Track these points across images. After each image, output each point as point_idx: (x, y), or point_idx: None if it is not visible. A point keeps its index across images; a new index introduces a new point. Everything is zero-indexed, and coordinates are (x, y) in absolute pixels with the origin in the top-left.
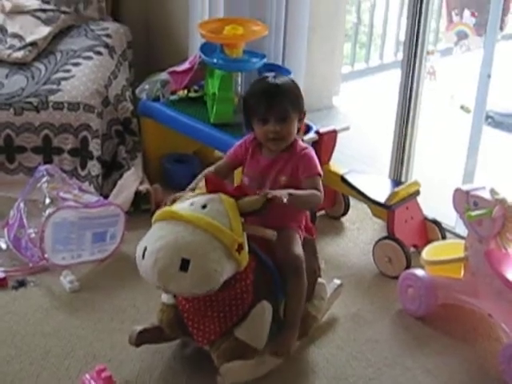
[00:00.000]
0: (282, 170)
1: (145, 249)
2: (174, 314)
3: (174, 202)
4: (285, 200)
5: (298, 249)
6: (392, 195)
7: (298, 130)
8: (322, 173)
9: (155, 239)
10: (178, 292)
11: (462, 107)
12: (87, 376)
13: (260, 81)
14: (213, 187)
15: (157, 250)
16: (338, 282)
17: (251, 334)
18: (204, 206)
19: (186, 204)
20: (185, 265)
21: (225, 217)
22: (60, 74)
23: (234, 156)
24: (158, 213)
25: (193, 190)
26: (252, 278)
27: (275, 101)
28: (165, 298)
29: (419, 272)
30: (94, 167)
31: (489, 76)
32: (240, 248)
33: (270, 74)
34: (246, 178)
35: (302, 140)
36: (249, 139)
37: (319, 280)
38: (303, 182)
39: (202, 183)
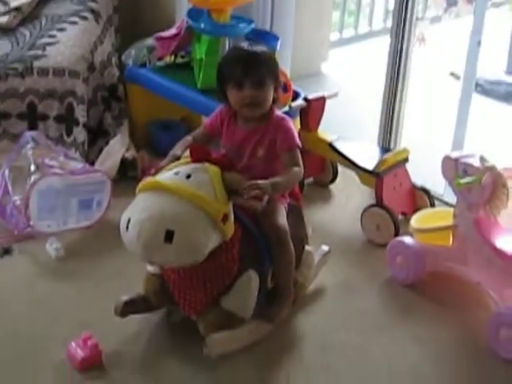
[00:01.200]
0: (259, 143)
1: (128, 220)
2: (160, 283)
3: (157, 172)
4: (266, 198)
5: (282, 220)
6: (380, 162)
7: (275, 100)
8: (300, 144)
9: (139, 211)
10: (162, 263)
11: (451, 74)
12: (73, 344)
13: (235, 49)
14: (198, 156)
15: (141, 221)
16: (325, 248)
17: (237, 304)
18: (188, 176)
19: (171, 174)
20: (169, 236)
21: (210, 187)
22: (45, 40)
23: (210, 127)
24: (142, 183)
25: (175, 157)
26: (238, 248)
27: (251, 65)
28: (150, 267)
29: (408, 240)
30: (80, 134)
31: (479, 43)
32: (225, 218)
33: (245, 43)
34: (224, 150)
35: (290, 107)
36: (224, 109)
37: (306, 248)
38: (282, 156)
39: (187, 152)
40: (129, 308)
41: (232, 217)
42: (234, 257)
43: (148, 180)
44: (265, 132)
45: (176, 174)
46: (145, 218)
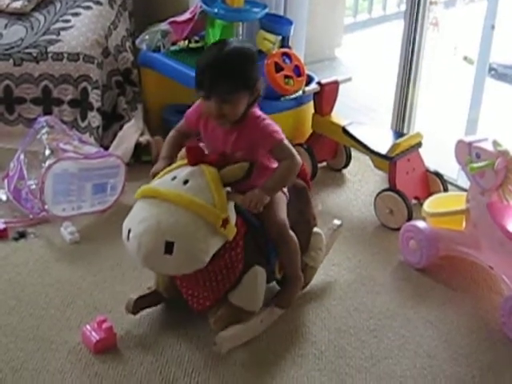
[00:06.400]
0: (235, 145)
1: (129, 231)
2: (170, 278)
3: (154, 176)
4: (265, 201)
5: (282, 214)
6: (394, 147)
7: (251, 105)
8: (283, 137)
9: (138, 221)
10: (164, 273)
11: (465, 58)
12: (88, 327)
13: (212, 48)
14: (194, 158)
15: (140, 234)
16: (337, 222)
17: (245, 299)
18: (186, 182)
19: (168, 179)
20: (169, 247)
21: (207, 192)
22: (59, 25)
23: (189, 122)
24: (141, 190)
25: (170, 159)
26: (242, 246)
27: (217, 79)
28: None
29: (421, 224)
30: (94, 118)
31: (492, 27)
32: (225, 223)
33: (230, 41)
34: (205, 147)
35: (304, 92)
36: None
37: (315, 230)
38: (272, 154)
39: (183, 152)
40: (140, 304)
41: (234, 218)
42: (239, 255)
43: (146, 187)
44: (240, 134)
45: (173, 179)
46: (144, 231)
